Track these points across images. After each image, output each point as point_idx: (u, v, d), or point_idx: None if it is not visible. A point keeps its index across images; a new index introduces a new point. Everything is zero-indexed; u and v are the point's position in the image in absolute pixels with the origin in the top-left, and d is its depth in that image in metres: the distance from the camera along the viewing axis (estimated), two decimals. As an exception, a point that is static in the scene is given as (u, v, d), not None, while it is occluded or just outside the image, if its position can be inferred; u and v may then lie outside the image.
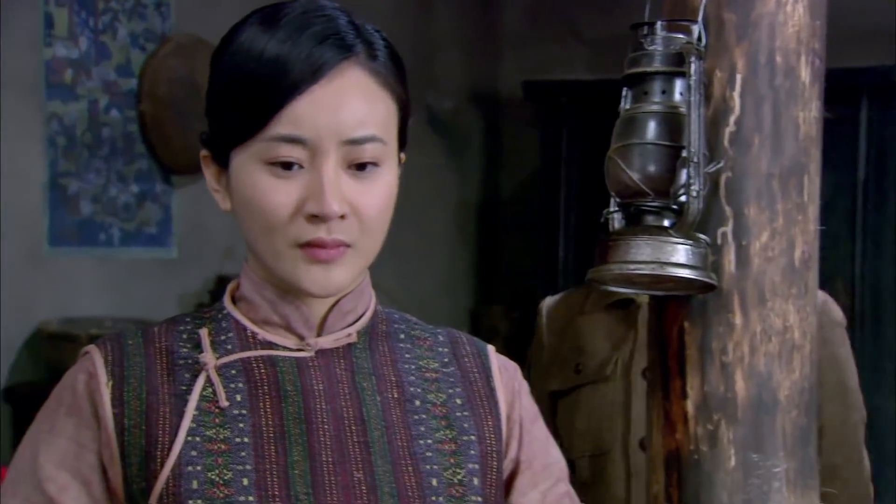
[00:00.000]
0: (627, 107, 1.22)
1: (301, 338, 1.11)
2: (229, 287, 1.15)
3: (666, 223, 1.21)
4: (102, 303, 3.63)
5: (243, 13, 1.11)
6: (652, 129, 1.19)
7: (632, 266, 1.18)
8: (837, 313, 1.68)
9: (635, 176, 1.17)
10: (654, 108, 1.20)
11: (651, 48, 1.19)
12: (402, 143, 1.12)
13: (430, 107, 4.62)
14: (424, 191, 4.40)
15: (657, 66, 1.19)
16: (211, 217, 3.90)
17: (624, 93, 1.23)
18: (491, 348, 1.20)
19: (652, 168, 1.19)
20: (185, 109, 3.79)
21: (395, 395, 1.11)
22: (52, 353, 3.37)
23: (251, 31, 1.06)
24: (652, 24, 1.19)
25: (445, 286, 4.74)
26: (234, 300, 1.14)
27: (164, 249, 3.91)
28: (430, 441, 1.10)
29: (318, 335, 1.11)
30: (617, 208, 1.23)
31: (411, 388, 1.12)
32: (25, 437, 1.11)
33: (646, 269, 1.18)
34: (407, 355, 1.15)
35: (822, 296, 1.50)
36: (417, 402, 1.11)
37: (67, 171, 3.58)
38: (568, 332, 1.80)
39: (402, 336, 1.16)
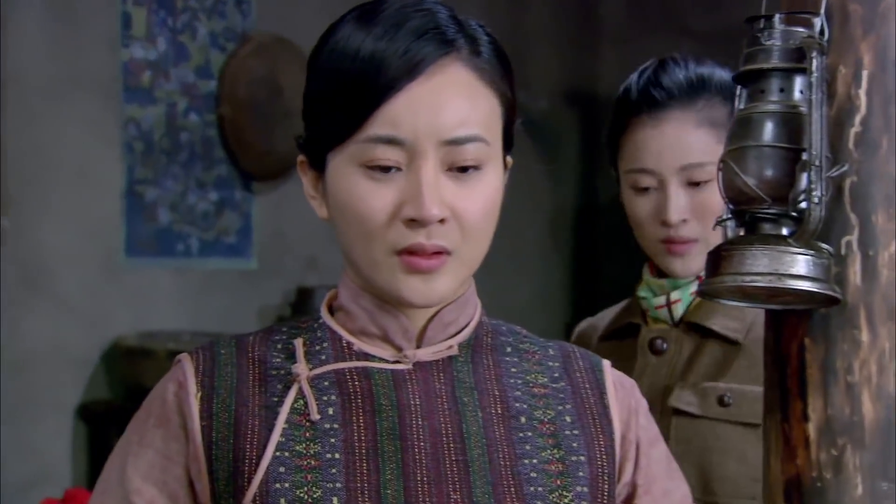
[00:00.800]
0: (742, 106, 1.21)
1: (399, 349, 1.11)
2: (328, 296, 1.16)
3: (784, 232, 1.19)
4: (180, 315, 3.70)
5: (326, 10, 1.13)
6: (769, 130, 1.17)
7: (747, 278, 1.16)
8: None
9: (751, 181, 1.16)
10: (772, 107, 1.18)
11: (768, 43, 1.17)
12: (508, 146, 1.11)
13: (523, 107, 4.61)
14: (517, 197, 4.36)
15: (775, 62, 1.17)
16: (292, 225, 3.95)
17: (738, 91, 1.22)
18: (606, 363, 1.18)
19: (769, 172, 1.17)
20: (266, 112, 3.85)
21: (499, 411, 1.10)
22: (129, 368, 3.44)
23: (347, 28, 1.07)
24: (769, 18, 1.18)
25: (540, 299, 4.73)
26: (331, 310, 1.15)
27: (244, 260, 3.97)
28: (535, 461, 1.09)
29: (418, 347, 1.11)
30: (731, 216, 1.22)
31: (517, 404, 1.11)
32: (116, 447, 1.13)
33: (762, 282, 1.16)
34: (513, 369, 1.14)
35: None
36: (523, 419, 1.11)
37: (145, 177, 3.66)
38: None
39: (509, 349, 1.15)
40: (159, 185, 3.70)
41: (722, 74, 1.62)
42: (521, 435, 1.10)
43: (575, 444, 1.11)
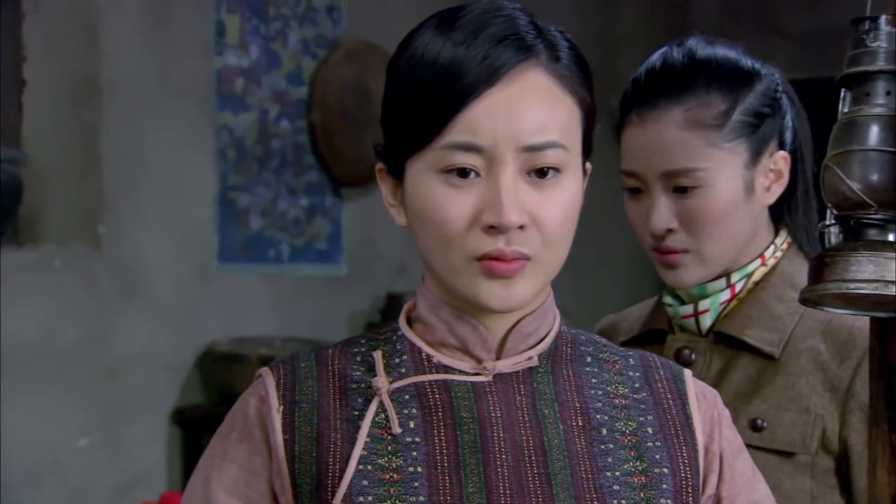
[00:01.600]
0: (846, 110, 1.19)
1: (478, 361, 1.11)
2: (405, 307, 1.16)
3: (891, 238, 1.17)
4: (271, 321, 3.74)
5: (416, 16, 1.14)
6: (875, 134, 1.15)
7: (851, 285, 1.15)
8: None
9: (856, 186, 1.14)
10: (878, 110, 1.16)
11: (874, 45, 1.16)
12: (587, 152, 1.12)
13: (613, 111, 4.59)
14: (606, 202, 4.35)
15: (881, 64, 1.16)
16: (382, 232, 3.98)
17: (842, 94, 1.20)
18: (688, 373, 1.17)
19: (875, 177, 1.15)
20: (357, 118, 3.88)
21: (580, 423, 1.10)
22: (221, 374, 3.49)
23: (427, 35, 1.08)
24: (875, 19, 1.16)
25: (630, 304, 4.69)
26: (409, 321, 1.15)
27: (334, 266, 4.00)
28: (617, 473, 1.08)
29: (497, 358, 1.11)
30: (834, 221, 1.20)
31: (597, 416, 1.11)
32: (200, 461, 1.15)
33: (867, 289, 1.14)
34: (593, 380, 1.13)
35: None
36: (604, 431, 1.10)
37: (237, 184, 3.71)
38: None
39: (589, 359, 1.15)
40: (251, 192, 3.75)
41: (727, 64, 1.49)
42: (602, 447, 1.09)
43: (658, 457, 1.10)
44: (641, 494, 1.08)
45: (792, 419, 1.45)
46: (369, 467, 1.06)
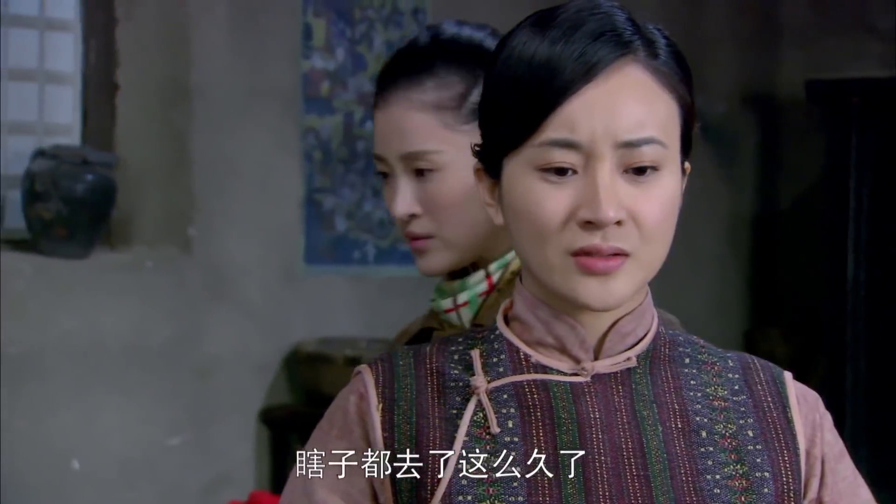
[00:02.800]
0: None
1: (576, 361, 1.10)
2: (503, 306, 1.17)
3: None
4: (356, 322, 3.76)
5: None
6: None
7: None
8: None
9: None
10: None
11: None
12: (686, 150, 1.11)
13: (700, 111, 4.53)
14: (693, 202, 4.28)
15: None
16: (466, 233, 3.98)
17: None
18: (788, 375, 1.16)
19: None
20: (441, 120, 3.89)
21: (679, 425, 1.09)
22: (308, 374, 3.52)
23: (523, 34, 1.08)
24: None
25: (717, 306, 4.64)
26: (507, 320, 1.15)
27: (418, 267, 4.01)
28: (717, 476, 1.07)
29: (595, 358, 1.11)
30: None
31: (697, 418, 1.10)
32: (300, 457, 1.15)
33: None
34: (692, 382, 1.12)
35: None
36: (704, 434, 1.09)
37: (323, 186, 3.74)
38: None
39: (688, 360, 1.14)
40: (336, 194, 3.77)
41: (469, 44, 1.43)
42: (702, 450, 1.08)
43: (759, 460, 1.09)
44: (742, 498, 1.07)
45: None
46: (468, 466, 1.06)
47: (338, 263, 3.78)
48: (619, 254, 1.05)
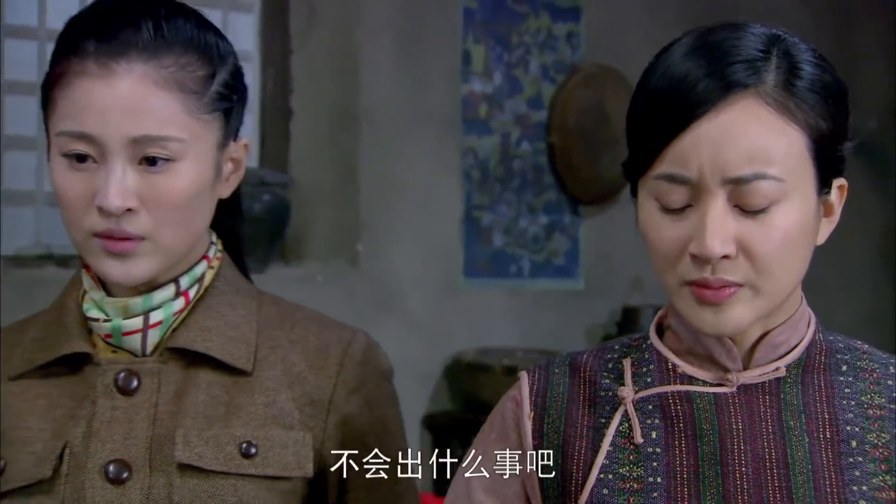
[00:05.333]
0: None
1: (725, 370, 1.09)
2: (658, 314, 1.17)
3: None
4: (513, 333, 3.78)
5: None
6: None
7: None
8: None
9: None
10: None
11: None
12: (828, 174, 1.07)
13: (851, 126, 4.43)
14: (844, 217, 4.20)
15: None
16: (617, 247, 3.96)
17: None
18: None
19: None
20: (594, 140, 3.89)
21: (827, 435, 1.07)
22: (468, 382, 3.55)
23: (662, 59, 1.07)
24: None
25: (869, 320, 4.50)
26: (661, 328, 1.15)
27: (572, 280, 4.01)
28: (864, 487, 1.04)
29: (746, 368, 1.09)
30: None
31: (847, 427, 1.07)
32: (465, 458, 1.18)
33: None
34: (846, 390, 1.09)
35: None
36: (854, 443, 1.06)
37: (481, 204, 3.77)
38: None
39: (844, 367, 1.11)
40: (494, 211, 3.80)
41: (206, 30, 1.21)
42: (850, 460, 1.06)
43: None
44: None
45: (282, 440, 1.22)
46: (610, 476, 1.07)
47: (495, 277, 3.81)
48: (730, 285, 1.03)
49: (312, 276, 3.42)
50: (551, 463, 1.10)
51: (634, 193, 1.11)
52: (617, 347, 1.16)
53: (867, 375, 1.11)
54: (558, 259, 3.97)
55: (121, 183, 1.15)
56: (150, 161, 1.16)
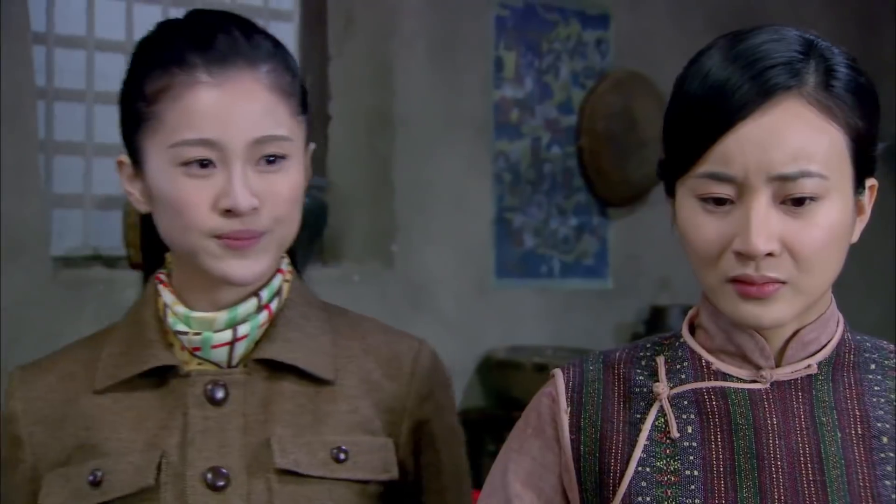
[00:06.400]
0: None
1: (757, 368, 1.09)
2: (689, 314, 1.17)
3: None
4: (543, 332, 3.79)
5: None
6: None
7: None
8: None
9: None
10: None
11: None
12: (863, 173, 1.07)
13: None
14: (870, 220, 4.17)
15: None
16: (645, 248, 3.97)
17: None
18: None
19: None
20: (622, 143, 3.90)
21: (859, 431, 1.06)
22: (499, 379, 3.56)
23: (697, 65, 1.07)
24: None
25: (892, 320, 4.47)
26: (693, 327, 1.15)
27: (601, 280, 4.01)
28: None
29: (777, 365, 1.09)
30: None
31: (878, 424, 1.07)
32: (501, 452, 1.19)
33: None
34: (876, 388, 1.09)
35: None
36: (885, 439, 1.06)
37: (512, 206, 3.79)
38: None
39: (873, 366, 1.10)
40: (525, 213, 3.81)
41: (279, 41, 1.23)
42: (882, 455, 1.05)
43: None
44: None
45: (369, 445, 1.23)
46: (648, 469, 1.07)
47: (526, 277, 3.82)
48: (773, 282, 1.03)
49: (349, 276, 3.43)
50: (589, 456, 1.10)
51: (671, 193, 1.11)
52: (649, 346, 1.16)
53: (895, 374, 1.11)
54: (587, 259, 3.98)
55: (246, 183, 1.15)
56: (269, 160, 1.17)
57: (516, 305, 3.76)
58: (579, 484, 1.10)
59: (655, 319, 3.95)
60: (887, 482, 1.04)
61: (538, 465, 1.13)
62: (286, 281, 1.26)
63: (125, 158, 1.22)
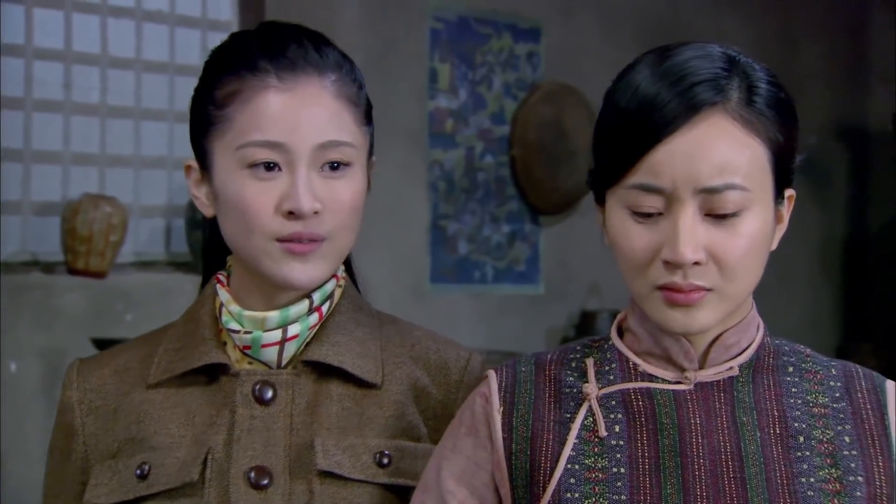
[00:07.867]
0: None
1: (682, 370, 1.09)
2: (618, 318, 1.17)
3: None
4: (477, 336, 3.80)
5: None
6: None
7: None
8: None
9: None
10: None
11: None
12: (783, 184, 1.08)
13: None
14: (788, 228, 4.24)
15: None
16: (575, 255, 4.00)
17: None
18: (891, 384, 1.12)
19: None
20: (553, 153, 3.92)
21: (777, 431, 1.07)
22: (434, 381, 3.56)
23: (629, 79, 1.07)
24: None
25: (810, 323, 4.57)
26: (621, 330, 1.16)
27: (532, 286, 4.03)
28: (812, 479, 1.05)
29: (700, 368, 1.09)
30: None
31: (795, 424, 1.08)
32: (436, 450, 1.19)
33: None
34: (793, 389, 1.10)
35: None
36: (801, 439, 1.07)
37: (447, 213, 3.79)
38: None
39: (791, 369, 1.11)
40: (459, 220, 3.82)
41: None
42: (798, 454, 1.07)
43: (853, 465, 1.07)
44: (835, 501, 1.05)
45: (412, 451, 1.21)
46: (577, 466, 1.08)
47: (460, 283, 3.83)
48: (699, 289, 1.04)
49: (287, 282, 3.42)
50: (520, 454, 1.10)
51: (600, 201, 1.11)
52: (579, 348, 1.16)
53: (811, 377, 1.12)
54: (520, 266, 4.00)
55: (310, 186, 1.15)
56: (332, 166, 1.17)
57: (451, 310, 3.77)
58: (510, 481, 1.10)
59: (585, 323, 3.98)
60: (803, 479, 1.05)
61: (471, 463, 1.13)
62: (339, 286, 1.26)
63: (193, 163, 1.21)
